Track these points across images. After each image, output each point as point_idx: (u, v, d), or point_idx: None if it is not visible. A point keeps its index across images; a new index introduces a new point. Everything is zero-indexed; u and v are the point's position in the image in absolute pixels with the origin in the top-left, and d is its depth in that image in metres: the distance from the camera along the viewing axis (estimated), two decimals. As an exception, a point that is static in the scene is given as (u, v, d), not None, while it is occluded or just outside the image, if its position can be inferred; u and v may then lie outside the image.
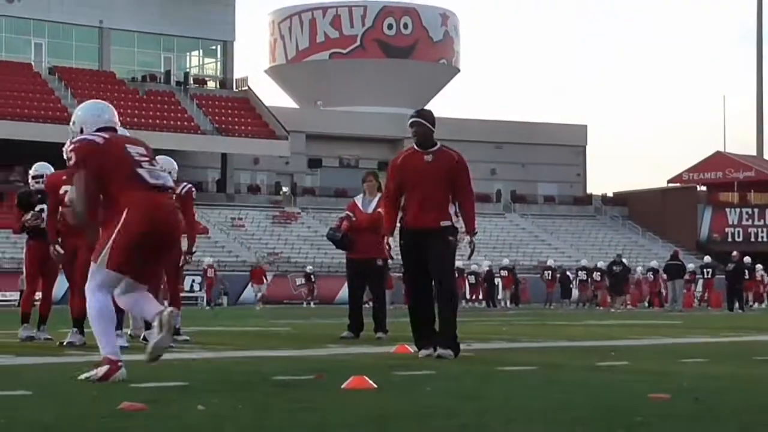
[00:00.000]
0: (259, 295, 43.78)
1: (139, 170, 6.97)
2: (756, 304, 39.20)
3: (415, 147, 9.39)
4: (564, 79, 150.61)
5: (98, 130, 7.19)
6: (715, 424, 4.86)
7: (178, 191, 10.90)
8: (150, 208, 6.86)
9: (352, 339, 12.49)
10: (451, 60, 76.79)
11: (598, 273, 41.34)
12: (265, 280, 44.68)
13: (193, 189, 11.89)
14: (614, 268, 37.47)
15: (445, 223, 9.16)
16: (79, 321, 10.85)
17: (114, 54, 62.37)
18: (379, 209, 11.65)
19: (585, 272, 42.34)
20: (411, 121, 9.35)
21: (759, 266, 43.19)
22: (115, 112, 7.53)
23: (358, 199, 13.17)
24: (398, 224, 9.44)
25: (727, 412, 5.24)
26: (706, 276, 39.56)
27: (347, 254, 13.22)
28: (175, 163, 11.71)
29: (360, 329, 12.83)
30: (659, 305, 37.19)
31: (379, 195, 12.65)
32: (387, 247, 9.34)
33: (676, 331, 15.80)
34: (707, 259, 42.46)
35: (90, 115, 7.31)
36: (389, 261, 10.54)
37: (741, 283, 34.97)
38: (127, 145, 7.13)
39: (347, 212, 13.06)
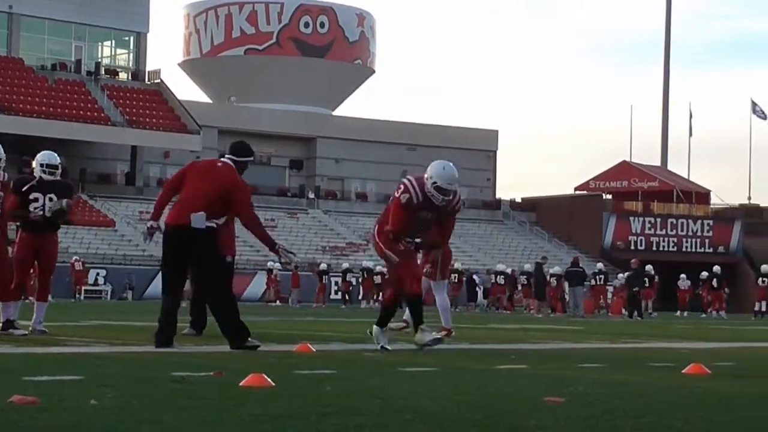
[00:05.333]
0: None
1: None
2: (654, 313, 39.84)
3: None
4: (476, 83, 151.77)
5: None
6: (608, 428, 4.93)
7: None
8: None
9: (194, 336, 12.36)
10: (366, 60, 76.90)
11: (501, 277, 41.72)
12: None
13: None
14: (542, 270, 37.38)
15: None
16: None
17: (23, 41, 61.30)
18: None
19: (495, 276, 42.69)
20: (252, 159, 10.38)
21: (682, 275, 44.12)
22: None
23: None
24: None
25: (620, 416, 5.33)
26: (598, 282, 40.16)
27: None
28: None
29: (203, 326, 12.68)
30: (561, 311, 37.64)
31: None
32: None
33: (576, 336, 16.01)
34: (600, 265, 43.15)
35: None
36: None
37: (640, 289, 35.60)
38: None
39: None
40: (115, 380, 6.49)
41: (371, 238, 10.28)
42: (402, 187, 9.87)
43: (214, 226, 9.78)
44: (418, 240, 10.07)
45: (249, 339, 9.79)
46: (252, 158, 10.32)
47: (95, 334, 12.20)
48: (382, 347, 10.02)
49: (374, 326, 10.30)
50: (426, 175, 9.85)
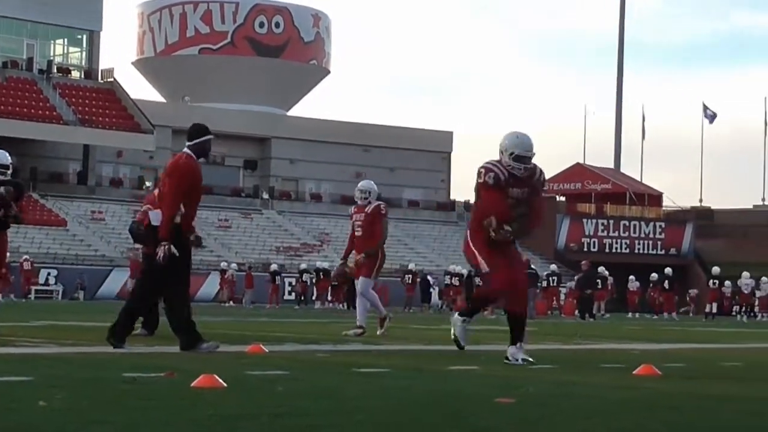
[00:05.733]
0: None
1: None
2: (607, 314, 40.09)
3: (195, 156, 9.94)
4: (432, 85, 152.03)
5: None
6: (558, 428, 4.96)
7: None
8: None
9: (146, 336, 12.32)
10: (321, 61, 76.79)
11: (456, 278, 41.83)
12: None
13: None
14: None
15: None
16: None
17: (-26, 38, 60.62)
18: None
19: (449, 277, 42.74)
20: (211, 137, 10.03)
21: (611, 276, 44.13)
22: None
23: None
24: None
25: (570, 417, 5.36)
26: (551, 284, 40.40)
27: (144, 249, 12.96)
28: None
29: (155, 326, 12.65)
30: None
31: None
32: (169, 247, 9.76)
33: (528, 337, 16.04)
34: (553, 267, 43.43)
35: None
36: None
37: (592, 290, 35.85)
38: None
39: (147, 205, 12.84)
40: (65, 381, 6.44)
41: (465, 247, 9.52)
42: (483, 170, 9.35)
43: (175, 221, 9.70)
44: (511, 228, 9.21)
45: (201, 343, 9.71)
46: (207, 136, 10.00)
47: (45, 335, 12.09)
48: (455, 338, 9.79)
49: (455, 315, 10.00)
50: (500, 150, 9.40)
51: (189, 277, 10.00)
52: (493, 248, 9.26)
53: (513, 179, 9.26)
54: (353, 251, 14.36)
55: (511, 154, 9.26)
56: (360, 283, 14.22)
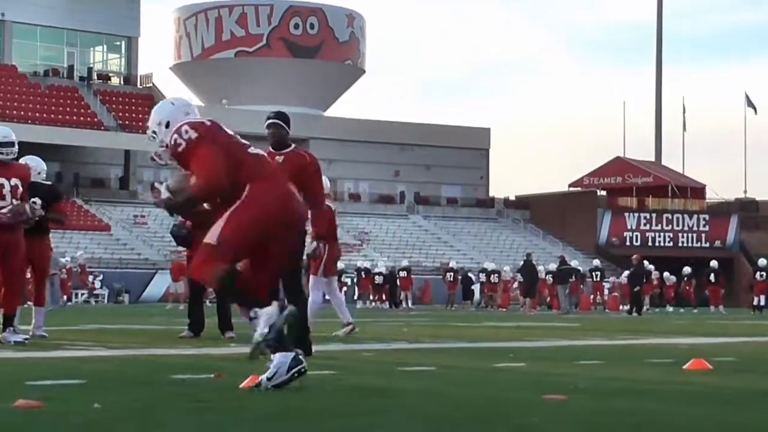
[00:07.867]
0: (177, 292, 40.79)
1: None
2: (652, 309, 39.85)
3: (270, 149, 9.60)
4: (468, 81, 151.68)
5: None
6: (608, 424, 4.94)
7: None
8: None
9: (192, 338, 12.36)
10: (356, 61, 76.89)
11: (496, 275, 41.74)
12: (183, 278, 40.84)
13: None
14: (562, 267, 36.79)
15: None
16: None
17: (16, 47, 61.23)
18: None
19: (485, 274, 42.66)
20: (268, 122, 9.58)
21: (656, 270, 43.86)
22: None
23: None
24: None
25: (621, 413, 5.34)
26: (595, 279, 40.12)
27: (188, 251, 13.00)
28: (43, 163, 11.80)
29: (201, 328, 12.71)
30: (557, 308, 37.62)
31: None
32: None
33: (573, 333, 16.02)
34: (596, 262, 43.11)
35: None
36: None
37: (641, 286, 35.51)
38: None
39: None
40: (116, 384, 6.50)
41: None
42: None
43: None
44: None
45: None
46: (267, 120, 9.65)
47: (93, 338, 12.19)
48: None
49: None
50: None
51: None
52: None
53: None
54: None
55: None
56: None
